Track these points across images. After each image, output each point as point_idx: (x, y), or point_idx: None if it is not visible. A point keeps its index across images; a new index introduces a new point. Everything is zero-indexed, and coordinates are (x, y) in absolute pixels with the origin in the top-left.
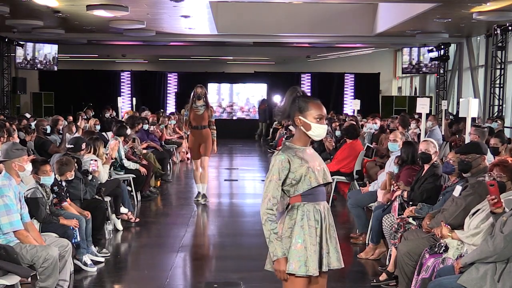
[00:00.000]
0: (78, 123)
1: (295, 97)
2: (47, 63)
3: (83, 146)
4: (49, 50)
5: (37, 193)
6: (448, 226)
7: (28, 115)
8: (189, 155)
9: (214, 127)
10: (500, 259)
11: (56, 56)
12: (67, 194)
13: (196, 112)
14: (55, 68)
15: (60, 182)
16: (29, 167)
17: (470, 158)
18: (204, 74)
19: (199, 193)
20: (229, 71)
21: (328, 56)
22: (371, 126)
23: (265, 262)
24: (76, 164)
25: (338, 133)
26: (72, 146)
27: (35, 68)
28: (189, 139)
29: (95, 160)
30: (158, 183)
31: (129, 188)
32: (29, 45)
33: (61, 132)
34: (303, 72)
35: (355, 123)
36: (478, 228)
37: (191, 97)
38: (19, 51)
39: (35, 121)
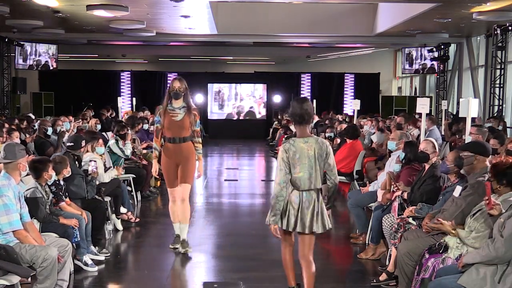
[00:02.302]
0: (71, 126)
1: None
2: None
3: (83, 143)
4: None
5: (36, 193)
6: (452, 222)
7: (32, 116)
8: None
9: (200, 140)
10: (501, 262)
11: (56, 56)
12: (66, 194)
13: (173, 117)
14: (54, 66)
15: (58, 182)
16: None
17: (466, 155)
18: (204, 74)
19: (177, 236)
20: (229, 71)
21: (328, 56)
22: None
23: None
24: (76, 162)
25: (329, 134)
26: (72, 144)
27: (35, 69)
28: (162, 158)
29: (95, 161)
30: (158, 183)
31: (129, 188)
32: (29, 45)
33: (57, 132)
34: (303, 72)
35: (354, 124)
36: (478, 229)
37: (166, 95)
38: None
39: (38, 121)
